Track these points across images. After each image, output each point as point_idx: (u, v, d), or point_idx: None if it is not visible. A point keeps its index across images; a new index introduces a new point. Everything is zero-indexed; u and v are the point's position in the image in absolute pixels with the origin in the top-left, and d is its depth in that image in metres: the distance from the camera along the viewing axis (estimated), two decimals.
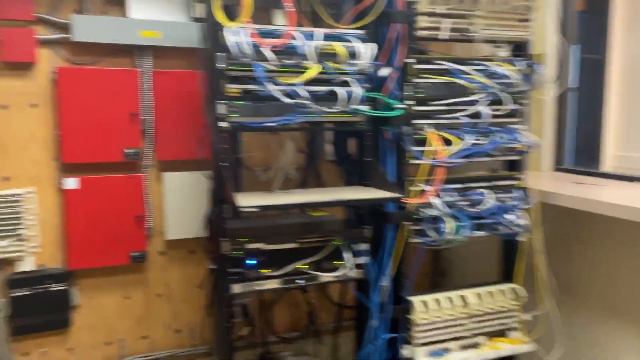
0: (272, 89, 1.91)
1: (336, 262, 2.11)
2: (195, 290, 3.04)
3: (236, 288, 1.99)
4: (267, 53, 1.91)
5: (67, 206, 2.69)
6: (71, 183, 2.70)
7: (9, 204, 2.59)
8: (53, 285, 2.72)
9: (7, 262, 2.68)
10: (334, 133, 2.50)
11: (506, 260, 2.44)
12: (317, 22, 2.32)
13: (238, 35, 1.86)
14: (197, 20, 2.78)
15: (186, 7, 2.82)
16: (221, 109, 1.92)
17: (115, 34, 2.66)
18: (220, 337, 2.19)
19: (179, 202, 2.90)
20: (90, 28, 2.62)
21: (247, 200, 1.81)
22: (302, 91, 1.92)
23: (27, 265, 2.71)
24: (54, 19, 2.62)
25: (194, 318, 3.06)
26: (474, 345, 2.29)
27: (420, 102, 2.12)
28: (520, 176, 2.32)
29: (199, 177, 2.90)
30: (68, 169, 2.74)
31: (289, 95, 1.93)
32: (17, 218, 2.60)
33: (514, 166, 2.36)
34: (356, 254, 2.14)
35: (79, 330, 2.83)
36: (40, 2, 2.61)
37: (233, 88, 1.93)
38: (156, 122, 2.83)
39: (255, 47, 1.89)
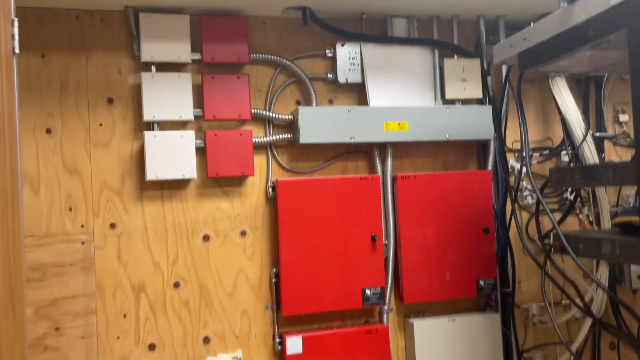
0: None
1: None
2: None
3: None
4: None
5: None
6: (293, 345, 1.85)
7: None
8: None
9: None
10: None
11: None
12: None
13: None
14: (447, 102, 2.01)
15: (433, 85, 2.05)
16: None
17: (354, 129, 1.91)
18: None
19: None
20: (319, 124, 1.89)
21: None
22: None
23: None
24: (272, 114, 1.93)
25: None
26: None
27: None
28: None
29: (461, 325, 1.98)
30: (287, 321, 1.92)
31: None
32: None
33: None
34: None
35: None
36: (254, 94, 1.94)
37: None
38: (402, 248, 1.98)
39: None
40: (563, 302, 2.10)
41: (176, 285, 1.84)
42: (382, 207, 1.97)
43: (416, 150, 2.08)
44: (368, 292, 1.92)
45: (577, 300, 1.72)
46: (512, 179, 2.07)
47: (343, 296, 1.90)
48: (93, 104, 1.80)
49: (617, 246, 1.22)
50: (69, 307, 1.74)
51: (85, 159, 1.79)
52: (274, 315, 1.91)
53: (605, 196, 1.84)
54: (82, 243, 1.77)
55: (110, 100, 1.82)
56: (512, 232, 2.10)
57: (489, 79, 2.08)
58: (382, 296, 1.93)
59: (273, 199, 1.92)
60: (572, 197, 2.07)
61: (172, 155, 1.78)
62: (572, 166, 1.85)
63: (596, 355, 2.14)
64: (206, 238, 1.88)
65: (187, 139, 1.81)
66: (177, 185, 1.85)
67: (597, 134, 2.17)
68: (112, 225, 1.80)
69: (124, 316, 1.79)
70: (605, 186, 1.82)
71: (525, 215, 2.15)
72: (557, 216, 2.08)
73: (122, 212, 1.81)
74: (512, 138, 2.14)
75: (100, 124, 1.81)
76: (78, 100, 1.79)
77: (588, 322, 1.94)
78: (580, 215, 2.10)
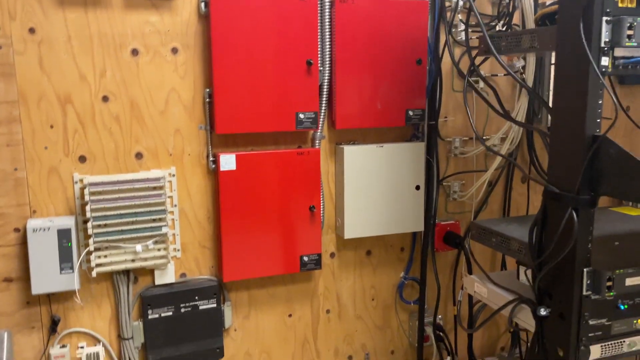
0: None
1: None
2: (371, 303, 2.26)
3: (596, 351, 1.18)
4: None
5: (220, 194, 1.90)
6: (227, 162, 1.90)
7: (145, 193, 1.80)
8: (201, 302, 1.96)
9: (142, 273, 1.93)
10: None
11: None
12: None
13: None
14: None
15: None
16: (606, 32, 1.07)
17: None
18: None
19: (361, 186, 2.08)
20: None
21: None
22: None
23: (168, 276, 1.95)
24: None
25: (370, 341, 2.28)
26: None
27: None
28: None
29: (389, 152, 2.09)
30: (221, 141, 1.95)
31: None
32: (157, 212, 1.82)
33: None
34: None
35: None
36: None
37: None
38: (336, 74, 1.99)
39: None
40: (484, 137, 2.25)
41: (105, 99, 1.79)
42: (319, 32, 1.95)
43: None
44: (302, 115, 1.95)
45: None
46: (449, 15, 2.08)
47: (277, 118, 1.92)
48: None
49: (535, 38, 1.28)
50: None
51: None
52: (208, 136, 1.92)
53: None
54: (0, 47, 1.66)
55: None
56: (446, 67, 2.16)
57: None
58: (315, 121, 1.97)
59: (206, 16, 1.84)
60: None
61: None
62: None
63: (508, 186, 2.34)
64: (135, 52, 1.81)
65: None
66: None
67: None
68: (32, 30, 1.69)
69: (51, 127, 1.75)
70: None
71: (458, 52, 2.19)
72: None
73: (41, 16, 1.69)
74: None
75: None
76: None
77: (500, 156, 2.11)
78: None
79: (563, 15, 1.17)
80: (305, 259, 2.04)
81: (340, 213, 2.10)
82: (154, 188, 1.80)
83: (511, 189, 2.35)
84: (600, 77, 1.09)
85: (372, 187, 2.09)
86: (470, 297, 1.88)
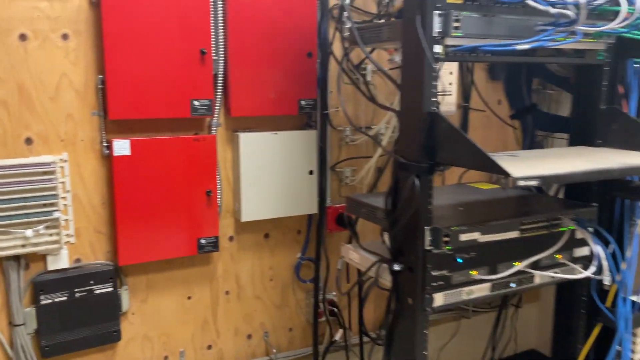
0: None
1: (557, 256, 1.51)
2: (269, 284, 2.38)
3: (439, 299, 1.36)
4: None
5: (114, 179, 1.94)
6: (121, 147, 1.94)
7: (35, 178, 1.81)
8: (97, 287, 1.99)
9: (34, 258, 1.92)
10: (507, 75, 1.86)
11: None
12: None
13: None
14: None
15: None
16: (437, 24, 1.24)
17: None
18: None
19: (257, 172, 2.19)
20: None
21: (515, 168, 1.15)
22: None
23: (61, 261, 1.95)
24: None
25: (268, 319, 2.40)
26: None
27: None
28: None
29: (283, 139, 2.21)
30: (115, 128, 1.98)
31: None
32: (48, 197, 1.83)
33: None
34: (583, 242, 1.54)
35: (129, 344, 2.12)
36: None
37: None
38: (230, 64, 2.08)
39: None
40: (372, 127, 2.42)
41: None
42: (211, 21, 2.03)
43: None
44: (197, 103, 2.03)
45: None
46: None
47: (172, 105, 1.99)
48: None
49: (390, 30, 1.45)
50: None
51: None
52: (102, 122, 1.95)
53: None
54: None
55: None
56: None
57: None
58: (210, 108, 2.06)
59: (97, 3, 1.87)
60: None
61: None
62: None
63: None
64: (23, 37, 1.80)
65: None
66: None
67: None
68: None
69: None
70: None
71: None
72: None
73: None
74: None
75: None
76: None
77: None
78: None
79: (406, 9, 1.34)
80: (203, 241, 2.12)
81: (238, 197, 2.20)
82: (44, 173, 1.81)
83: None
84: (432, 62, 1.26)
85: (267, 173, 2.21)
86: (359, 271, 2.04)
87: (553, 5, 1.27)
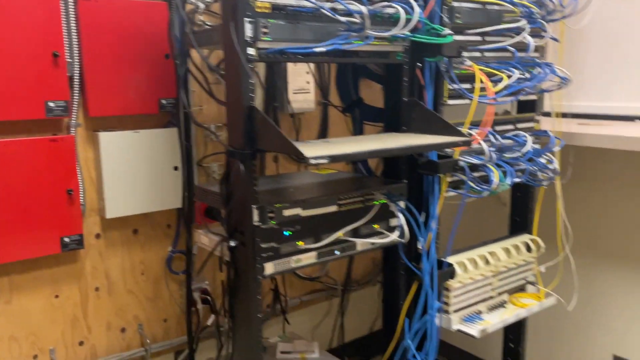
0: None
1: (374, 226, 1.75)
2: (141, 278, 2.47)
3: (269, 268, 1.55)
4: None
5: None
6: None
7: None
8: None
9: None
10: (337, 74, 2.09)
11: (520, 211, 2.28)
12: None
13: None
14: None
15: None
16: (249, 29, 1.42)
17: None
18: (249, 330, 1.69)
19: (120, 169, 2.28)
20: None
21: (310, 150, 1.35)
22: (363, 7, 1.48)
23: None
24: None
25: (142, 312, 2.49)
26: (501, 305, 2.11)
27: (457, 30, 1.80)
28: (537, 118, 2.15)
29: (145, 137, 2.31)
30: None
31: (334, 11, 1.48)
32: None
33: (528, 107, 2.17)
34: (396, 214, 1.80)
35: None
36: None
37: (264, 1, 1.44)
38: (85, 66, 2.16)
39: None
40: None
41: None
42: (64, 25, 2.09)
43: None
44: (52, 104, 2.08)
45: None
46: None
47: (26, 107, 2.03)
48: None
49: (217, 33, 1.63)
50: None
51: None
52: None
53: None
54: None
55: None
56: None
57: None
58: (66, 109, 2.11)
59: None
60: None
61: None
62: None
63: (264, 162, 2.72)
64: None
65: None
66: None
67: None
68: None
69: None
70: None
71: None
72: None
73: None
74: None
75: None
76: None
77: None
78: None
79: (223, 17, 1.53)
80: (67, 240, 2.17)
81: (101, 195, 2.27)
82: None
83: (264, 166, 2.74)
84: (245, 63, 1.46)
85: (131, 170, 2.30)
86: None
87: (346, 14, 1.51)
